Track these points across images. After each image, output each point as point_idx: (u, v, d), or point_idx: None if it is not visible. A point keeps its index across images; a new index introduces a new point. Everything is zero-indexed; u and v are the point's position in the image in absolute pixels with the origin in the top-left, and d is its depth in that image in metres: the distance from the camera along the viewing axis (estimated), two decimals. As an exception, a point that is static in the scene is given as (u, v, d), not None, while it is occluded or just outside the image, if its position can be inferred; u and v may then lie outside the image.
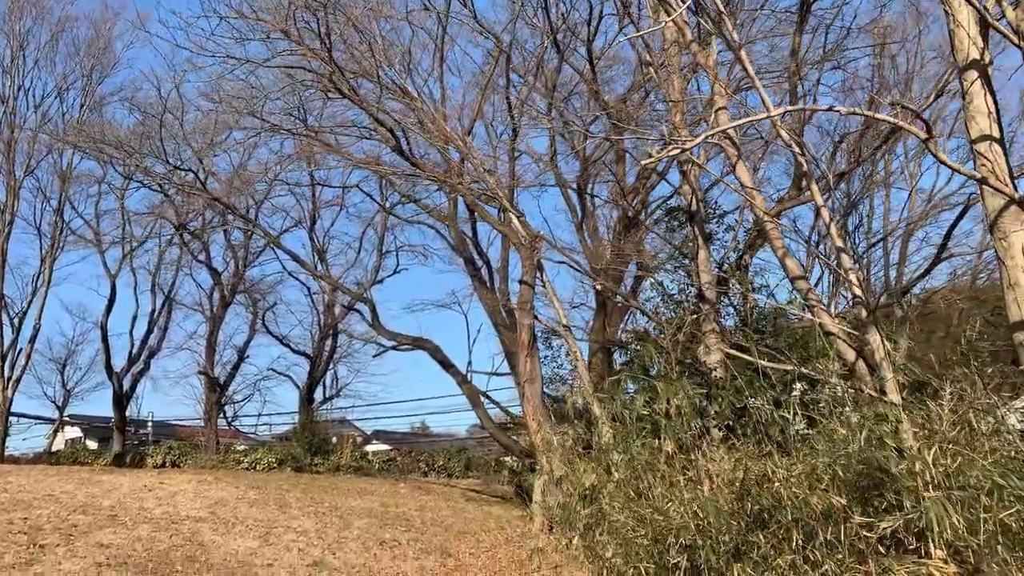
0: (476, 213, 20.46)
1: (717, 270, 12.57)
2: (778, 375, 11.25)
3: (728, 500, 6.37)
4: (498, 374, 19.74)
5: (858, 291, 8.39)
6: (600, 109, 20.71)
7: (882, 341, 8.07)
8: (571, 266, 13.80)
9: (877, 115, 6.93)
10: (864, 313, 8.31)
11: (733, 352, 8.37)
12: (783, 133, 8.32)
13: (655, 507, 6.45)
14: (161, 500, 11.86)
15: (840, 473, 6.02)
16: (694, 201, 12.56)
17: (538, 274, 13.75)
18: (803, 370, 8.20)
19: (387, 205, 22.63)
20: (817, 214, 9.56)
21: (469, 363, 21.85)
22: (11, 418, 35.83)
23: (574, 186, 19.06)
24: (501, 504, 20.95)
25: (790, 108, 7.87)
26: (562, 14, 18.12)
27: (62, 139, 23.37)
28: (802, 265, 15.51)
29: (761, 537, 5.73)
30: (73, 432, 49.74)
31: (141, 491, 12.60)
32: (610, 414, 10.61)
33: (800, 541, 5.42)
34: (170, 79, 18.12)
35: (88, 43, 29.75)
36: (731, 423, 9.02)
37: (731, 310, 12.91)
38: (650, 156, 6.73)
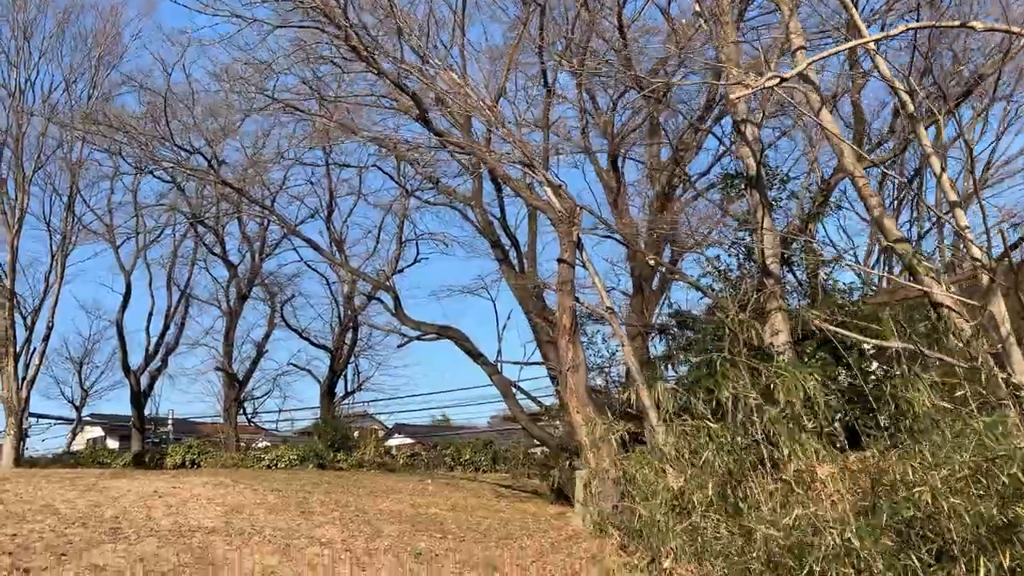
0: (504, 191, 19.23)
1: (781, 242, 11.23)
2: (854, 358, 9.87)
3: (853, 510, 5.11)
4: (530, 363, 18.53)
5: (978, 252, 7.01)
6: (631, 80, 19.40)
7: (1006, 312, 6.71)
8: (620, 241, 12.50)
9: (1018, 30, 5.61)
10: (985, 280, 6.94)
11: (833, 328, 7.02)
12: (883, 65, 6.98)
13: (769, 521, 5.15)
14: (171, 508, 10.74)
15: (999, 474, 4.73)
16: (753, 164, 11.24)
17: (577, 252, 12.48)
18: (917, 348, 6.86)
19: (407, 189, 21.39)
20: (916, 170, 8.19)
21: (499, 352, 20.66)
22: (30, 419, 35.30)
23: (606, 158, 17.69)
24: (534, 500, 19.74)
25: (915, 25, 6.51)
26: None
27: (71, 126, 22.32)
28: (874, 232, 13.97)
29: (915, 559, 4.46)
30: (94, 432, 49.26)
31: (150, 497, 11.49)
32: (673, 406, 9.37)
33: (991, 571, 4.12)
34: (179, 66, 17.00)
35: (95, 32, 28.76)
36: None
37: (795, 285, 11.55)
38: (743, 85, 5.44)
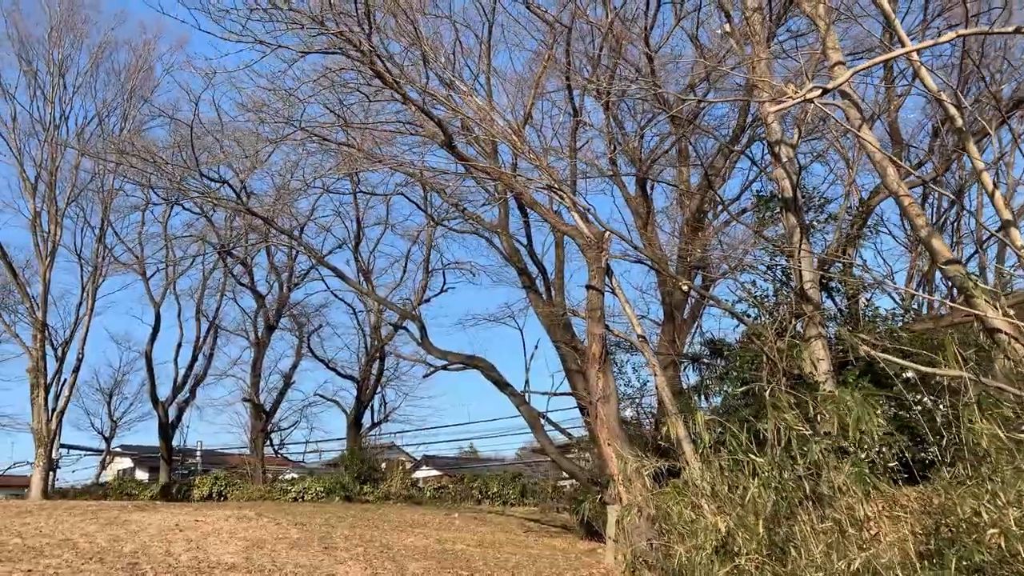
0: (531, 217, 18.99)
1: (819, 266, 10.80)
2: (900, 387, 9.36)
3: (916, 553, 4.67)
4: (558, 394, 18.07)
5: (1037, 274, 6.53)
6: (658, 102, 19.17)
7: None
8: (650, 266, 12.13)
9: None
10: (1046, 302, 6.45)
11: (883, 356, 6.59)
12: (927, 78, 6.63)
13: (820, 567, 4.72)
14: (191, 543, 10.47)
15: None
16: (789, 186, 10.86)
17: (606, 279, 12.14)
18: (974, 375, 6.40)
19: (433, 217, 21.25)
20: (958, 188, 7.79)
21: (526, 382, 20.19)
22: (60, 450, 35.48)
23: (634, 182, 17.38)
24: (563, 535, 19.19)
25: (965, 32, 6.16)
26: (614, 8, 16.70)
27: (102, 158, 22.60)
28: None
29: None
30: (124, 463, 49.48)
31: (171, 531, 11.25)
32: (709, 439, 8.94)
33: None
34: (207, 97, 17.09)
35: (128, 67, 29.37)
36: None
37: (833, 312, 11.08)
38: (782, 98, 5.13)
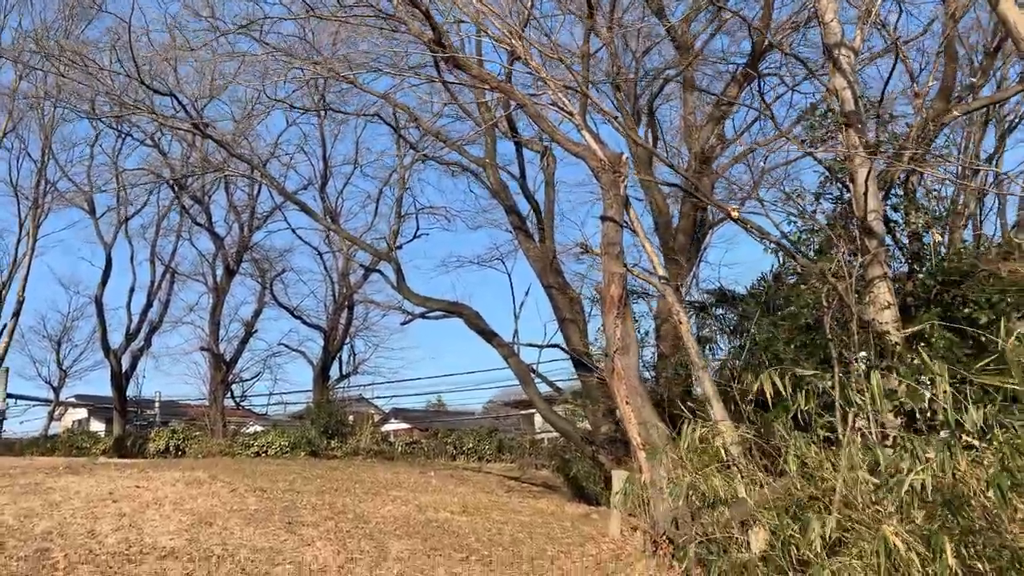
0: (523, 152, 17.03)
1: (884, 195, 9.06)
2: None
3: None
4: (551, 345, 16.35)
5: None
6: (664, 29, 17.20)
7: None
8: (682, 188, 10.29)
9: None
10: None
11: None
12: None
13: None
14: (124, 518, 8.60)
15: None
16: (850, 98, 9.05)
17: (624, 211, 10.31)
18: None
19: (411, 143, 19.07)
20: None
21: (515, 333, 18.45)
22: (7, 400, 33.09)
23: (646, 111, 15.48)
24: (548, 496, 17.71)
25: None
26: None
27: (29, 64, 19.70)
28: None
29: None
30: (80, 413, 47.16)
31: (102, 502, 9.34)
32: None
33: None
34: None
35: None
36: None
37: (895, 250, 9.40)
38: None
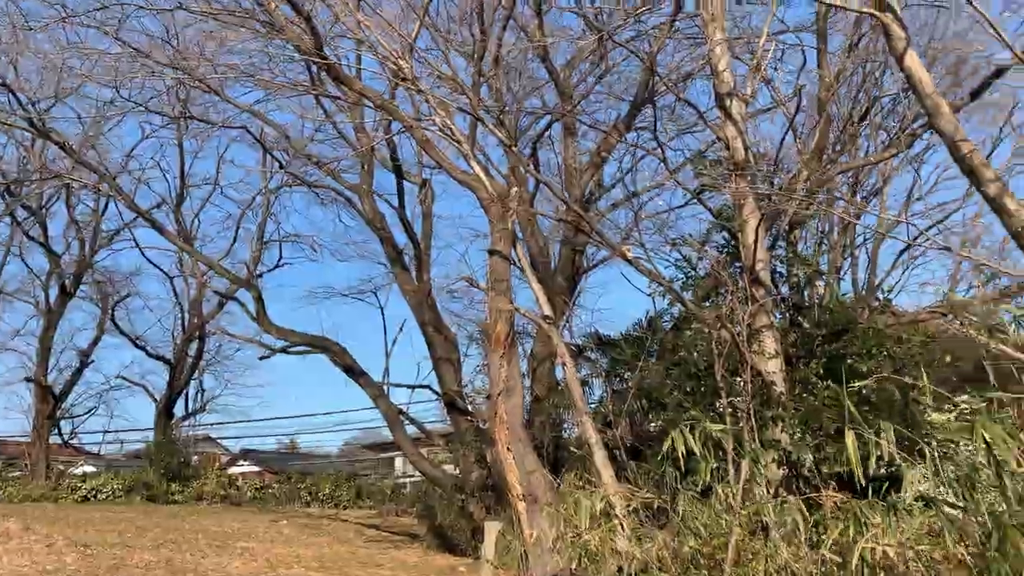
0: (403, 179, 16.34)
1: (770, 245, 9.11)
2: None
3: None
4: (424, 387, 15.58)
5: None
6: (548, 75, 17.20)
7: None
8: (574, 223, 9.93)
9: None
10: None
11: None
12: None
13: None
14: None
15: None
16: (740, 147, 9.09)
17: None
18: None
19: (278, 159, 17.89)
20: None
21: (386, 371, 17.50)
22: None
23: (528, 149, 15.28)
24: (410, 546, 16.80)
25: None
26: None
27: None
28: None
29: None
30: None
31: None
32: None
33: None
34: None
35: None
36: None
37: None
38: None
